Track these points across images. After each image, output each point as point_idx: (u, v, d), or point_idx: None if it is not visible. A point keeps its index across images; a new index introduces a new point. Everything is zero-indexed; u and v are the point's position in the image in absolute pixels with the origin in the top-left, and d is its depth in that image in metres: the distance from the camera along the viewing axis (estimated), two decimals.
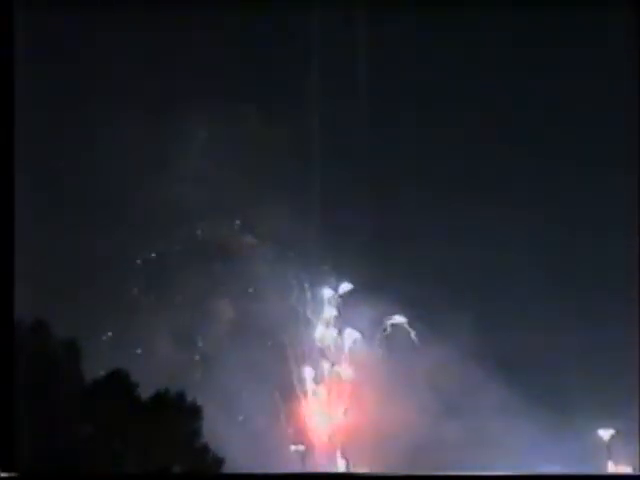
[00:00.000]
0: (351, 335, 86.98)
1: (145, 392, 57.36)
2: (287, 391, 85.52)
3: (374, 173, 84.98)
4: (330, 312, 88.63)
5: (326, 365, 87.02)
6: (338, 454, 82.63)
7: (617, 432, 71.37)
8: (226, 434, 68.30)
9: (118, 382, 54.57)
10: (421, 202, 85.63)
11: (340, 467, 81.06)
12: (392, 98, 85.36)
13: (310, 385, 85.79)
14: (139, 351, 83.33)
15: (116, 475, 49.28)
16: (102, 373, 54.88)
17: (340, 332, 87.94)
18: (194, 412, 58.93)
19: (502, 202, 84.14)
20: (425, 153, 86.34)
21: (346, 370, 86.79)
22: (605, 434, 71.67)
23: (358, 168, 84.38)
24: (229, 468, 59.97)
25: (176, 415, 57.68)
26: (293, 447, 76.38)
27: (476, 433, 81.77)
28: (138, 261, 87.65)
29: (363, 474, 64.51)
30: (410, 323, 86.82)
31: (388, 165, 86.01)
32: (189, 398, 59.60)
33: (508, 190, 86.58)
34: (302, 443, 78.75)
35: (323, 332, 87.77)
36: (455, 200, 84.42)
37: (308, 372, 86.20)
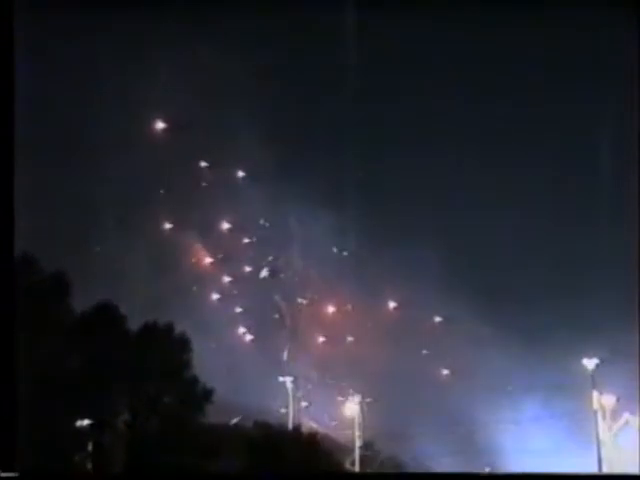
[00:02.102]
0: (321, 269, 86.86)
1: (132, 324, 57.12)
2: (264, 320, 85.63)
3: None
4: (298, 244, 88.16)
5: (303, 295, 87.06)
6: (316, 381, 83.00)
7: (601, 361, 71.65)
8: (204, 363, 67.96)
9: (106, 315, 54.18)
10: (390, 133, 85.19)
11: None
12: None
13: (288, 315, 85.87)
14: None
15: (116, 475, 49.26)
16: (90, 306, 54.31)
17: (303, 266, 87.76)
18: (183, 344, 58.75)
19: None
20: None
21: (321, 301, 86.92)
22: (589, 363, 71.99)
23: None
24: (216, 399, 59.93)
25: (165, 347, 57.49)
26: (280, 378, 76.30)
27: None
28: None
29: (363, 474, 64.80)
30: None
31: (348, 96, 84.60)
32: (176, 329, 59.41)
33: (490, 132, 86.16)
34: (285, 374, 78.68)
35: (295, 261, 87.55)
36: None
37: (284, 302, 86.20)
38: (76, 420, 52.29)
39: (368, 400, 75.63)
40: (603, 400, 72.00)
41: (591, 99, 79.33)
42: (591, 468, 68.62)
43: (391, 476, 43.42)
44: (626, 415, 72.61)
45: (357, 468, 72.83)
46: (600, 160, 77.34)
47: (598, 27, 70.61)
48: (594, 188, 79.20)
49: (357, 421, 74.40)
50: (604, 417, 72.07)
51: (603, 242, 75.87)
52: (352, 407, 74.85)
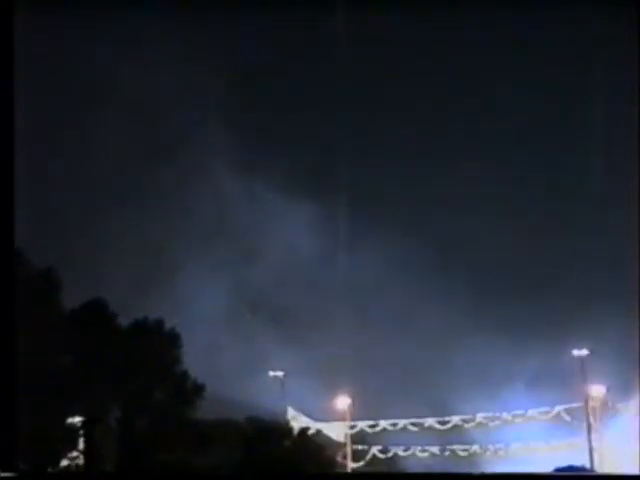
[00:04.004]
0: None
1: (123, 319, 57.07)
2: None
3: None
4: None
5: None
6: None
7: (591, 352, 71.89)
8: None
9: (97, 311, 54.08)
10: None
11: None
12: None
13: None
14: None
15: (117, 475, 49.13)
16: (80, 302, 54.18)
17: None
18: (173, 339, 58.68)
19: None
20: None
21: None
22: (579, 354, 72.24)
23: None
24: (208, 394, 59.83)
25: (155, 342, 57.44)
26: (271, 373, 75.74)
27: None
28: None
29: (363, 474, 64.61)
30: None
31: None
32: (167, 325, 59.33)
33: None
34: (278, 368, 77.81)
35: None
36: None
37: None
38: (67, 417, 52.22)
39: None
40: (593, 390, 72.35)
41: (589, 99, 79.73)
42: (582, 459, 69.07)
43: (387, 475, 43.41)
44: (617, 405, 72.87)
45: (349, 462, 72.95)
46: (595, 158, 77.46)
47: (598, 27, 70.88)
48: (587, 185, 79.38)
49: (348, 414, 74.46)
50: (594, 407, 72.42)
51: (596, 238, 76.15)
52: (343, 400, 74.71)
